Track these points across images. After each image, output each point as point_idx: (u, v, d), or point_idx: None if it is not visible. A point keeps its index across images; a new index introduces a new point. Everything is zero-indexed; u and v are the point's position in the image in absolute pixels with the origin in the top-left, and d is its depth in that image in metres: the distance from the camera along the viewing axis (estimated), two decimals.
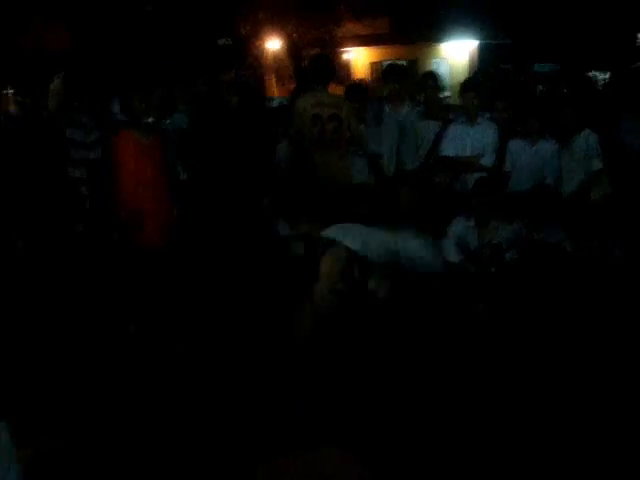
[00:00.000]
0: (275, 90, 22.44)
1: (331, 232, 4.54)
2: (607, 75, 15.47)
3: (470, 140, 6.58)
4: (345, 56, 25.97)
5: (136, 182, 5.51)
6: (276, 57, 23.27)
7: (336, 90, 7.79)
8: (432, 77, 7.19)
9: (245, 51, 20.73)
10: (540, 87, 7.64)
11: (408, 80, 7.23)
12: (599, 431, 4.00)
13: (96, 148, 5.60)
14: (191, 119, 6.33)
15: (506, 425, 4.09)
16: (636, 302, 5.47)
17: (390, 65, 7.60)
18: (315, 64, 6.43)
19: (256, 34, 21.21)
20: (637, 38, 23.76)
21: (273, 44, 22.46)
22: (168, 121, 6.55)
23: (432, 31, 23.68)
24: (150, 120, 6.32)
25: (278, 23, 20.59)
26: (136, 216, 5.44)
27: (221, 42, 16.56)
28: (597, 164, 6.34)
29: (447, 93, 7.59)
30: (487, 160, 6.53)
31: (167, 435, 4.01)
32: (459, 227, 6.09)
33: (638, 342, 5.07)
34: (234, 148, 5.84)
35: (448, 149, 6.61)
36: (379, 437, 3.91)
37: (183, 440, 3.95)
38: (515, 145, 6.55)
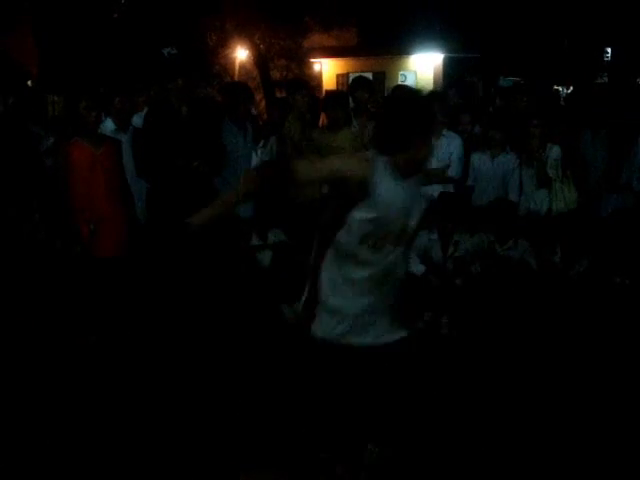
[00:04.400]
0: None
1: None
2: (569, 90, 15.73)
3: (435, 152, 6.60)
4: (316, 67, 26.04)
5: (88, 191, 5.45)
6: (243, 67, 23.24)
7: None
8: (401, 89, 7.23)
9: (211, 61, 20.68)
10: (498, 101, 7.67)
11: (374, 91, 7.24)
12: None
13: (50, 156, 5.53)
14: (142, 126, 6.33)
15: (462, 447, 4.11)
16: (599, 314, 5.55)
17: (357, 77, 7.61)
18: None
19: (223, 44, 21.16)
20: (605, 53, 24.13)
21: (240, 54, 22.43)
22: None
23: (399, 43, 23.81)
24: (111, 128, 6.28)
25: (245, 33, 20.55)
26: (89, 225, 5.39)
27: (166, 52, 16.49)
28: (552, 173, 6.40)
29: None
30: (454, 171, 6.56)
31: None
32: (422, 240, 6.12)
33: (600, 353, 5.15)
34: (178, 156, 5.79)
35: None
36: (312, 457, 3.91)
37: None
38: (477, 158, 6.59)
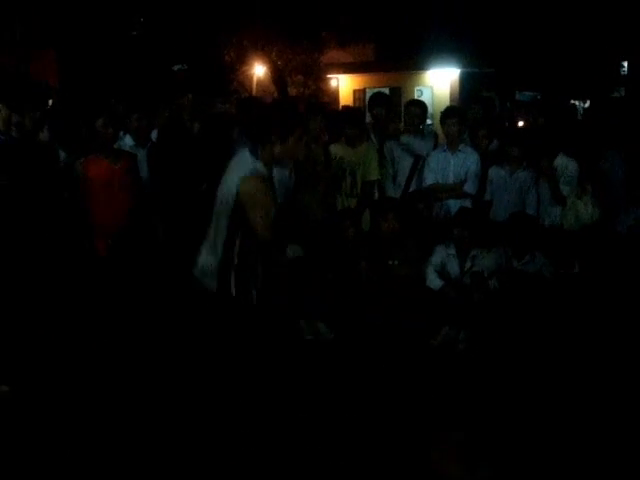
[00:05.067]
0: None
1: None
2: (587, 104, 15.70)
3: (452, 168, 6.63)
4: (333, 83, 26.16)
5: (108, 207, 5.54)
6: (260, 83, 23.40)
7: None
8: (416, 104, 7.27)
9: (229, 77, 20.84)
10: (515, 116, 7.69)
11: (391, 107, 7.30)
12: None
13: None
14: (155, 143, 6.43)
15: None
16: (615, 327, 5.55)
17: (375, 93, 7.66)
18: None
19: (241, 60, 21.32)
20: (622, 67, 24.07)
21: (257, 70, 22.59)
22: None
23: (415, 59, 23.90)
24: (130, 144, 6.35)
25: (263, 49, 20.71)
26: (107, 240, 5.47)
27: (176, 68, 16.61)
28: (565, 190, 6.41)
29: (429, 121, 7.66)
30: (469, 187, 6.58)
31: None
32: (440, 255, 6.14)
33: (617, 365, 5.14)
34: (189, 172, 5.87)
35: (430, 177, 6.67)
36: None
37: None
38: (495, 174, 6.60)
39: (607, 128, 6.73)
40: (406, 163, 6.86)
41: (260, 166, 3.92)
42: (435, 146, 7.02)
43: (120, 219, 5.64)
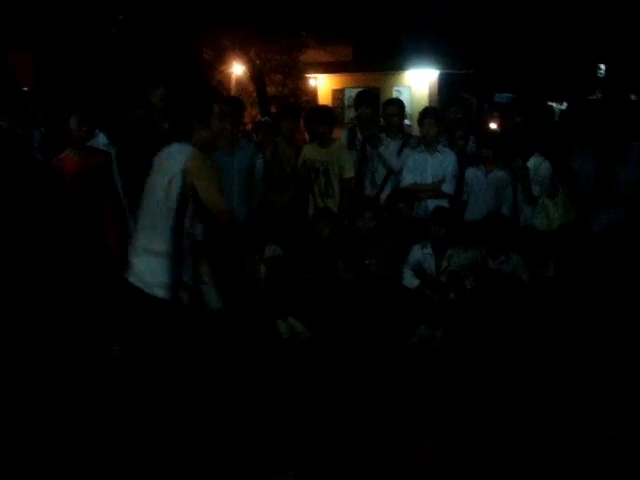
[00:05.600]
0: None
1: None
2: (564, 106, 15.81)
3: (430, 168, 6.66)
4: (312, 82, 26.16)
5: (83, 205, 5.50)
6: (239, 82, 23.35)
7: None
8: (394, 103, 7.27)
9: (208, 76, 20.77)
10: (493, 117, 7.74)
11: (378, 107, 7.31)
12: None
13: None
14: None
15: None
16: (588, 326, 5.60)
17: (361, 91, 7.67)
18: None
19: (219, 59, 21.26)
20: (598, 69, 24.29)
21: (236, 69, 22.54)
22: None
23: (394, 59, 23.94)
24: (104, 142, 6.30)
25: (241, 49, 20.66)
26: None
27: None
28: (536, 190, 6.45)
29: (407, 122, 7.68)
30: (447, 188, 6.62)
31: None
32: (417, 254, 6.18)
33: (590, 364, 5.20)
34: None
35: (408, 177, 6.69)
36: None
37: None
38: (471, 174, 6.64)
39: (582, 129, 6.77)
40: (380, 173, 6.89)
41: (188, 148, 3.95)
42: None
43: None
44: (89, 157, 5.63)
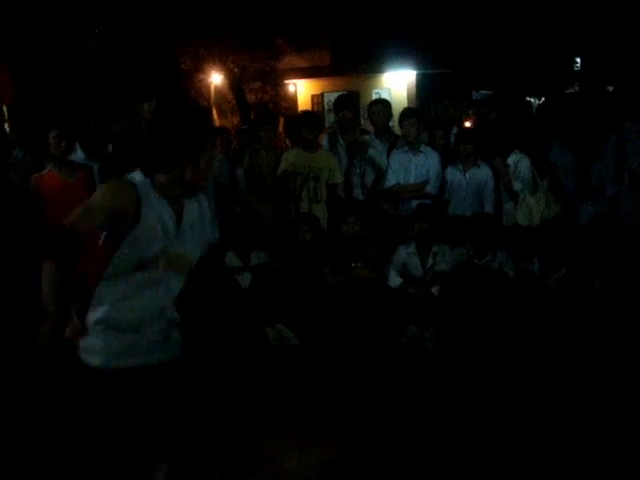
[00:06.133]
0: (217, 123, 22.48)
1: None
2: (541, 100, 15.89)
3: (414, 168, 6.67)
4: (291, 88, 26.17)
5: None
6: (219, 91, 23.33)
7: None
8: (380, 103, 7.26)
9: (187, 85, 20.76)
10: (471, 114, 7.75)
11: (358, 110, 7.30)
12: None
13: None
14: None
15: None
16: (575, 322, 5.63)
17: (341, 95, 7.66)
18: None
19: (197, 68, 21.24)
20: (575, 63, 24.41)
21: (215, 78, 22.53)
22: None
23: (372, 62, 23.97)
24: (81, 157, 6.23)
25: (219, 57, 20.65)
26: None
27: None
28: (517, 186, 6.46)
29: (391, 123, 7.69)
30: (431, 187, 6.63)
31: None
32: (401, 254, 6.19)
33: (581, 358, 5.22)
34: None
35: (392, 178, 6.70)
36: None
37: None
38: (449, 173, 6.65)
39: (559, 122, 6.81)
40: (369, 175, 6.90)
41: (137, 177, 2.89)
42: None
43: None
44: (70, 172, 5.57)
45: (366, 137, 6.98)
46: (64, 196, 5.37)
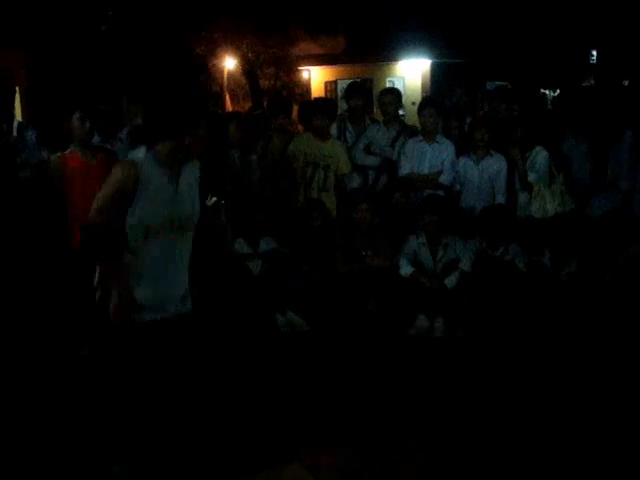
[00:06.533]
0: (230, 108, 22.49)
1: None
2: (557, 93, 15.81)
3: (428, 158, 6.63)
4: (305, 75, 26.13)
5: (86, 204, 5.45)
6: (232, 76, 23.31)
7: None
8: (390, 92, 7.26)
9: (201, 70, 20.75)
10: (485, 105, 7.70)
11: (369, 98, 7.29)
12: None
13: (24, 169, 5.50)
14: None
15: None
16: (586, 315, 5.62)
17: (352, 83, 7.64)
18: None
19: (211, 54, 21.22)
20: (591, 56, 24.26)
21: (229, 63, 22.51)
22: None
23: (386, 50, 23.93)
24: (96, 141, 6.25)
25: (233, 43, 20.62)
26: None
27: None
28: (533, 177, 6.40)
29: (401, 112, 7.66)
30: (445, 177, 6.58)
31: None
32: (412, 245, 6.18)
33: (592, 352, 5.21)
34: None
35: (406, 166, 6.67)
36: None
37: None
38: (462, 163, 6.59)
39: (574, 116, 6.77)
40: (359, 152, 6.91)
41: (140, 153, 3.33)
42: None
43: None
44: (92, 154, 5.59)
45: (378, 125, 6.98)
46: (84, 176, 5.40)
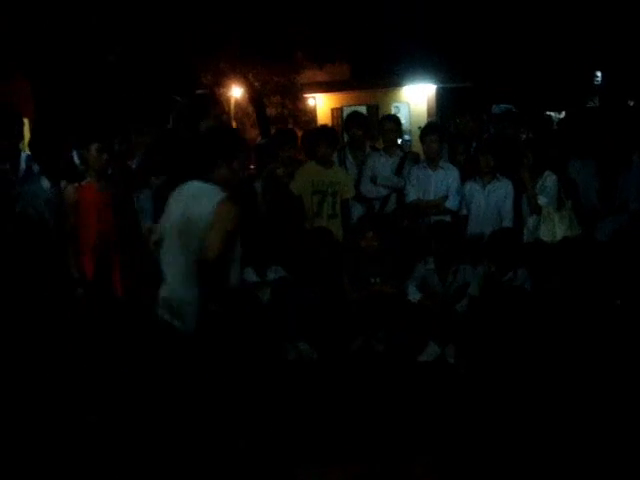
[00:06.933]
0: None
1: None
2: (562, 115, 15.83)
3: (433, 184, 6.64)
4: (311, 102, 26.27)
5: (99, 235, 5.54)
6: (239, 105, 23.46)
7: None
8: (390, 120, 7.29)
9: (209, 102, 20.86)
10: (491, 129, 7.72)
11: (369, 127, 7.34)
12: None
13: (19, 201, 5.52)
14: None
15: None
16: (600, 337, 5.58)
17: (352, 113, 7.70)
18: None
19: (218, 83, 21.36)
20: (596, 77, 24.32)
21: (235, 92, 22.66)
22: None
23: (392, 76, 24.07)
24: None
25: (239, 72, 20.77)
26: (105, 269, 5.46)
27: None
28: (543, 200, 6.39)
29: (407, 137, 7.70)
30: (451, 203, 6.58)
31: None
32: (420, 271, 6.17)
33: (603, 375, 5.17)
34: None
35: (412, 193, 6.68)
36: None
37: None
38: (468, 188, 6.60)
39: (581, 138, 6.77)
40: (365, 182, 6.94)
41: (188, 185, 3.98)
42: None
43: (114, 246, 5.64)
44: (107, 186, 5.67)
45: (380, 153, 7.03)
46: (98, 207, 5.47)
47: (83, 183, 5.56)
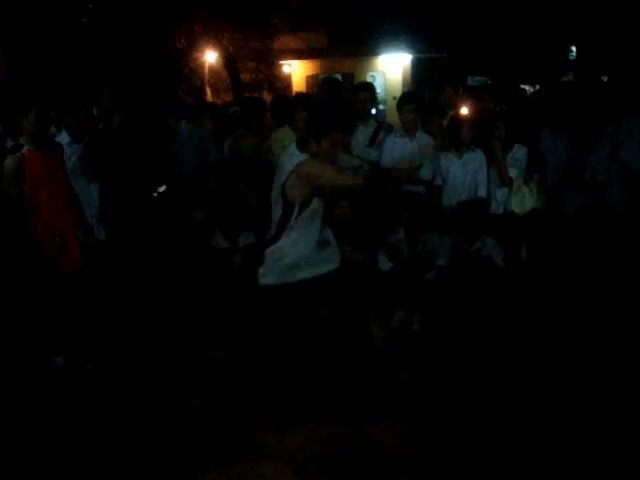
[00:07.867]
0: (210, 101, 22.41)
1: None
2: (536, 88, 15.90)
3: (409, 152, 6.62)
4: (286, 69, 26.08)
5: (49, 202, 5.28)
6: (213, 70, 23.22)
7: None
8: (365, 89, 7.23)
9: (181, 64, 20.65)
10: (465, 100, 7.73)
11: (343, 93, 7.27)
12: None
13: None
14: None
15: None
16: (563, 307, 5.67)
17: (324, 79, 7.62)
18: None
19: (192, 47, 21.12)
20: (571, 51, 24.39)
21: (209, 57, 22.42)
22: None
23: (368, 45, 23.92)
24: (66, 140, 6.16)
25: (214, 36, 20.53)
26: (56, 239, 5.27)
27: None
28: (513, 172, 6.44)
29: (381, 107, 7.66)
30: (425, 172, 6.59)
31: None
32: (391, 241, 6.21)
33: (565, 345, 5.26)
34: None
35: (387, 162, 6.67)
36: None
37: None
38: (444, 159, 6.62)
39: (552, 112, 6.81)
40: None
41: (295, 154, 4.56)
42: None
43: (63, 215, 5.40)
44: (51, 152, 5.43)
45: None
46: (46, 175, 5.26)
47: (24, 150, 5.22)
